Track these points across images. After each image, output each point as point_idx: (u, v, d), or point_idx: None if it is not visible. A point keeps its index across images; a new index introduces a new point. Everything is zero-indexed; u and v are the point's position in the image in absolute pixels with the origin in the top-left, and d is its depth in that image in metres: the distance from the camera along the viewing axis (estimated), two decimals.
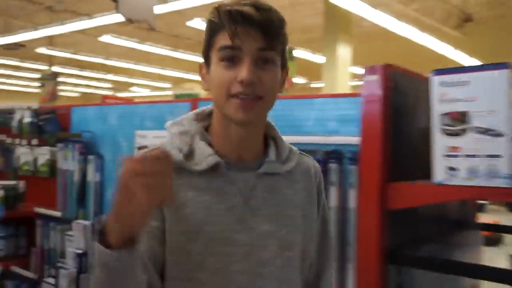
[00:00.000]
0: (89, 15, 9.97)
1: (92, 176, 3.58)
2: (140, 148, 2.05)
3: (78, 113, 3.90)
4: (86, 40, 15.78)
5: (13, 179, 4.25)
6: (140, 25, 10.55)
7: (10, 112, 4.41)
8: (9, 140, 4.39)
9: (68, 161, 3.72)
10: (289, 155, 1.26)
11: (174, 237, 1.12)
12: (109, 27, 11.13)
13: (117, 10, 6.49)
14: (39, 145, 4.07)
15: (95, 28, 11.20)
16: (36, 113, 4.12)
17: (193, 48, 14.78)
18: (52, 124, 3.97)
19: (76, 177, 3.64)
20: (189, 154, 1.17)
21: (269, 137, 1.26)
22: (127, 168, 0.89)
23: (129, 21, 6.94)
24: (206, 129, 1.23)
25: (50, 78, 13.31)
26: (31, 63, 18.48)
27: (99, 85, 24.67)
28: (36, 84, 16.73)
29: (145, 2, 6.78)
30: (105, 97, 6.90)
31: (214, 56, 1.13)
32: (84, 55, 16.27)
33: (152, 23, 6.96)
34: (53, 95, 12.88)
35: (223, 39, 1.10)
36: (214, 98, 1.15)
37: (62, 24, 10.73)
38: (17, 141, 4.28)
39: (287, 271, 1.19)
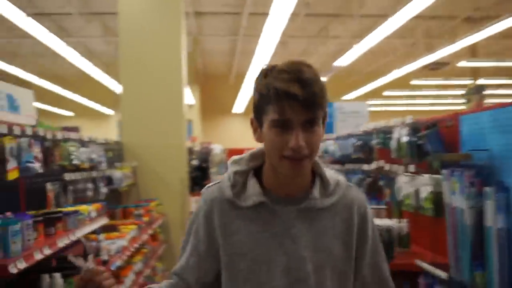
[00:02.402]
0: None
1: (493, 219, 2.20)
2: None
3: (469, 123, 2.59)
4: None
5: (397, 217, 3.25)
6: None
7: (388, 130, 3.46)
8: (387, 166, 3.44)
9: (456, 195, 2.45)
10: (335, 189, 1.39)
11: (227, 257, 1.35)
12: None
13: None
14: (420, 172, 2.94)
15: None
16: (413, 129, 3.02)
17: None
18: (433, 141, 2.78)
19: (468, 219, 2.32)
20: (241, 191, 1.37)
21: (316, 174, 1.39)
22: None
23: None
24: (261, 166, 1.41)
25: (474, 92, 11.97)
26: (454, 80, 17.51)
27: None
28: (460, 100, 15.69)
29: None
30: None
31: (266, 121, 1.28)
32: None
33: None
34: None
35: (272, 113, 1.25)
36: (267, 154, 1.33)
37: (479, 31, 9.39)
38: (395, 167, 3.27)
39: None
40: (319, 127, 1.27)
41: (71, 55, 12.68)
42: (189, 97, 17.68)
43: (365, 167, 4.31)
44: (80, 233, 3.08)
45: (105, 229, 3.97)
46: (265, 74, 1.29)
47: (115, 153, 5.94)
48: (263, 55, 13.10)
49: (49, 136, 3.30)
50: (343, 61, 13.91)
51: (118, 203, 5.46)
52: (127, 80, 6.42)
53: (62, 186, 3.54)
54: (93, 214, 3.40)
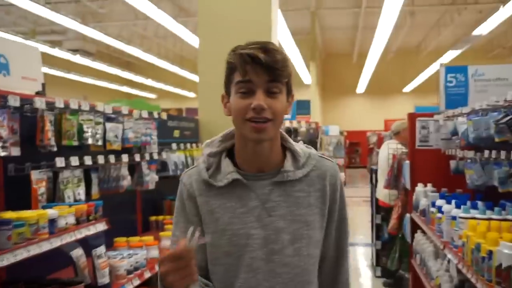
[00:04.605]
0: None
1: None
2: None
3: None
4: None
5: None
6: None
7: None
8: None
9: None
10: (306, 161, 1.42)
11: (209, 234, 1.38)
12: None
13: None
14: None
15: None
16: None
17: None
18: None
19: None
20: (216, 171, 1.40)
21: (287, 149, 1.42)
22: (162, 268, 1.18)
23: None
24: (232, 147, 1.43)
25: None
26: None
27: None
28: None
29: None
30: None
31: (233, 89, 1.35)
32: None
33: None
34: None
35: (237, 76, 1.33)
36: (234, 122, 1.36)
37: None
38: None
39: (298, 259, 1.37)
40: (282, 96, 1.34)
41: (189, 36, 12.17)
42: (306, 75, 16.39)
43: None
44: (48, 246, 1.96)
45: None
46: (235, 48, 1.35)
47: (191, 131, 4.87)
48: (387, 29, 11.34)
49: (40, 105, 2.26)
50: (484, 29, 11.53)
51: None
52: (205, 38, 5.29)
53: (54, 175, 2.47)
54: (65, 221, 2.16)
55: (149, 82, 18.74)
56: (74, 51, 14.05)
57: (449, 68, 4.41)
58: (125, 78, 18.47)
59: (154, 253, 2.87)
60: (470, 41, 13.23)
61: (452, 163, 3.96)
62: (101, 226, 2.30)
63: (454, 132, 3.89)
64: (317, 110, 16.26)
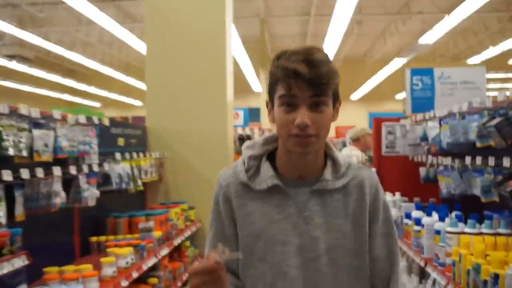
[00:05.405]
0: None
1: None
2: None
3: None
4: None
5: None
6: None
7: None
8: None
9: None
10: (346, 170, 1.38)
11: (243, 238, 1.37)
12: None
13: None
14: None
15: None
16: None
17: None
18: None
19: None
20: (255, 175, 1.37)
21: (328, 157, 1.40)
22: (193, 281, 1.17)
23: None
24: (274, 151, 1.41)
25: None
26: None
27: None
28: None
29: None
30: None
31: (276, 100, 1.31)
32: None
33: None
34: None
35: (280, 89, 1.28)
36: (278, 133, 1.34)
37: None
38: None
39: (333, 268, 1.34)
40: (328, 108, 1.29)
41: (135, 42, 11.53)
42: (256, 83, 16.10)
43: (506, 162, 2.37)
44: None
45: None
46: (278, 57, 1.31)
47: (137, 139, 4.34)
48: (336, 37, 11.19)
49: None
50: (429, 38, 11.62)
51: (125, 209, 3.79)
52: (153, 41, 4.80)
53: None
54: None
55: (92, 89, 17.80)
56: (11, 57, 13.06)
57: (414, 71, 4.15)
58: (67, 85, 17.46)
59: (94, 286, 2.34)
60: (415, 49, 13.34)
61: (422, 171, 3.67)
62: (19, 262, 1.77)
63: (424, 138, 3.60)
64: (268, 117, 15.96)
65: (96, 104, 20.45)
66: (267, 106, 1.38)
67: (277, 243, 1.33)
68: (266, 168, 1.36)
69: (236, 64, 12.69)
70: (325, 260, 1.32)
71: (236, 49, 11.10)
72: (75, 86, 17.61)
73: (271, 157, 1.39)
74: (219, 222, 1.39)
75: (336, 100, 1.33)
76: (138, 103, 19.48)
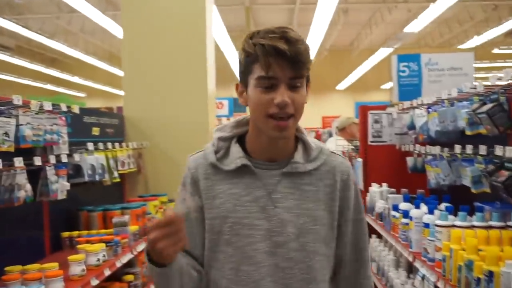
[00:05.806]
0: None
1: None
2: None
3: None
4: None
5: None
6: None
7: None
8: None
9: None
10: (318, 155, 1.34)
11: (210, 220, 1.31)
12: None
13: None
14: None
15: None
16: None
17: None
18: None
19: None
20: (224, 156, 1.33)
21: (299, 140, 1.35)
22: (151, 235, 1.11)
23: None
24: (244, 134, 1.36)
25: None
26: None
27: None
28: None
29: None
30: None
31: (252, 81, 1.25)
32: None
33: None
34: None
35: (259, 70, 1.22)
36: (252, 115, 1.29)
37: None
38: None
39: (303, 254, 1.28)
40: (303, 88, 1.26)
41: (119, 31, 11.23)
42: None
43: (499, 150, 2.22)
44: None
45: None
46: (251, 36, 1.25)
47: (114, 129, 4.13)
48: (322, 26, 11.00)
49: None
50: (414, 27, 11.49)
51: (101, 202, 3.58)
52: (129, 26, 4.59)
53: None
54: None
55: (76, 79, 17.42)
56: None
57: (402, 57, 4.00)
58: (50, 75, 17.05)
59: (58, 286, 2.15)
60: (400, 38, 13.23)
61: (410, 160, 3.52)
62: None
63: (411, 126, 3.45)
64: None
65: (81, 95, 20.08)
66: (236, 89, 1.32)
67: (244, 226, 1.28)
68: (235, 150, 1.32)
69: (221, 54, 12.47)
70: (295, 245, 1.27)
71: (221, 38, 10.86)
72: (58, 76, 17.22)
73: (241, 140, 1.35)
74: (185, 207, 1.33)
75: (308, 80, 1.31)
76: (123, 93, 19.19)
